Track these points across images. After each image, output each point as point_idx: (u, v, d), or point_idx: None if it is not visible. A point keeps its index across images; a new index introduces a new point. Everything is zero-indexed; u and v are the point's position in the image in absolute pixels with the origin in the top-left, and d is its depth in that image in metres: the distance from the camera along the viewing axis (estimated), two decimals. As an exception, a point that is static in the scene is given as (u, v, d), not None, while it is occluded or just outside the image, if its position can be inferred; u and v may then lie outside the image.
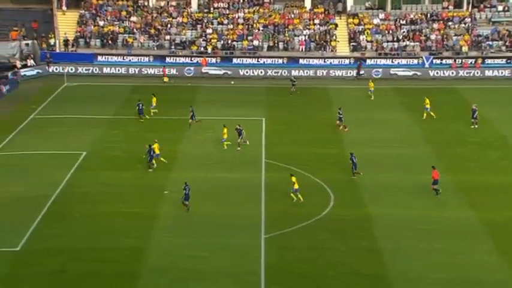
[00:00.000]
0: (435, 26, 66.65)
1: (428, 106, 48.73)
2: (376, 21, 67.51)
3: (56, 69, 61.31)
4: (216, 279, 27.99)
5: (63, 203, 34.71)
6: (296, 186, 34.79)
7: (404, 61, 63.37)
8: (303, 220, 32.92)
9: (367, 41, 65.32)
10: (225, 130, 42.43)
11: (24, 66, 61.03)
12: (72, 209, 34.08)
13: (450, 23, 66.97)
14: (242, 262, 29.23)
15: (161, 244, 30.64)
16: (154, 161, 38.74)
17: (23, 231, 31.39)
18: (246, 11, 68.64)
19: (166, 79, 59.25)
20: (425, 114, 48.49)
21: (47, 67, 61.53)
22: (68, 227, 32.13)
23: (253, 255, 29.71)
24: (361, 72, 61.00)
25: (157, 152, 38.96)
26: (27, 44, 63.34)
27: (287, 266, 29.03)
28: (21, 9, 66.96)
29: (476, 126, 46.65)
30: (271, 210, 34.15)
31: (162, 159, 39.14)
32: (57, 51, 63.79)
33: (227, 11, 68.46)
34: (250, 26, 66.61)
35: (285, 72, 61.78)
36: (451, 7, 68.98)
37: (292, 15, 68.14)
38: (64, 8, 66.38)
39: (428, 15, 68.08)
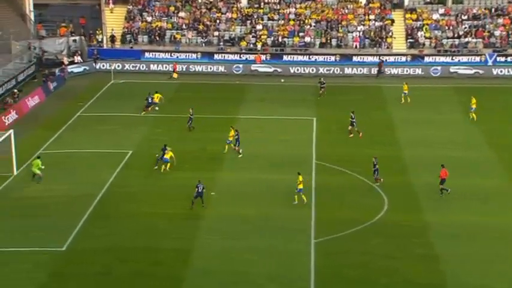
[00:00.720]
0: (500, 21, 65.26)
1: (474, 106, 47.70)
2: (435, 16, 66.56)
3: (103, 66, 62.66)
4: (264, 283, 28.16)
5: (109, 203, 35.49)
6: (301, 186, 34.69)
7: (465, 58, 62.31)
8: (355, 225, 32.78)
9: (426, 38, 64.48)
10: (232, 132, 41.65)
11: (72, 62, 62.59)
12: (118, 208, 34.83)
13: (516, 18, 65.56)
14: (291, 266, 29.34)
15: (207, 246, 31.01)
16: (164, 165, 38.65)
17: (69, 230, 32.22)
18: (298, 6, 68.68)
19: (175, 75, 59.69)
20: (472, 115, 47.60)
21: (94, 64, 62.98)
22: (114, 227, 32.84)
23: (302, 260, 29.77)
24: (382, 71, 60.15)
25: (166, 156, 38.62)
26: (74, 41, 64.96)
27: (337, 271, 28.99)
28: (69, 4, 68.73)
29: None
30: (322, 213, 34.14)
31: (163, 167, 38.67)
32: (105, 47, 65.20)
33: (278, 6, 68.65)
34: (301, 22, 66.62)
35: (337, 70, 61.56)
36: (517, 1, 67.53)
37: (346, 11, 67.83)
38: (111, 5, 67.60)
39: (493, 9, 66.72)
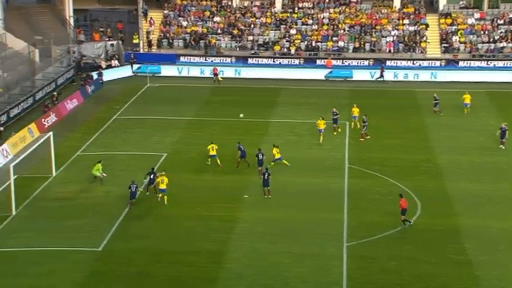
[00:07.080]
0: (536, 25, 64.19)
1: None
2: (470, 21, 65.66)
3: (139, 69, 63.10)
4: (297, 286, 28.03)
5: (145, 205, 35.73)
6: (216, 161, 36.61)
7: (500, 63, 61.31)
8: (387, 229, 32.48)
9: (460, 42, 63.64)
10: (276, 150, 39.68)
11: (109, 66, 63.28)
12: (153, 210, 35.04)
13: (553, 23, 64.35)
14: (324, 271, 29.15)
15: (240, 249, 31.00)
16: (161, 194, 35.74)
17: (105, 231, 32.53)
18: (332, 10, 68.42)
19: (221, 78, 59.35)
20: None
21: (130, 68, 63.50)
22: (149, 229, 33.05)
23: (335, 264, 29.59)
24: (384, 76, 59.21)
25: (162, 187, 35.43)
26: (112, 45, 65.67)
27: (370, 277, 28.72)
28: (107, 9, 69.59)
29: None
30: (354, 217, 33.90)
31: (160, 195, 35.70)
32: (141, 51, 65.78)
33: (312, 11, 68.45)
34: (335, 27, 66.33)
35: (371, 74, 61.13)
36: (555, 5, 66.25)
37: (380, 15, 67.33)
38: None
39: (529, 13, 65.66)
